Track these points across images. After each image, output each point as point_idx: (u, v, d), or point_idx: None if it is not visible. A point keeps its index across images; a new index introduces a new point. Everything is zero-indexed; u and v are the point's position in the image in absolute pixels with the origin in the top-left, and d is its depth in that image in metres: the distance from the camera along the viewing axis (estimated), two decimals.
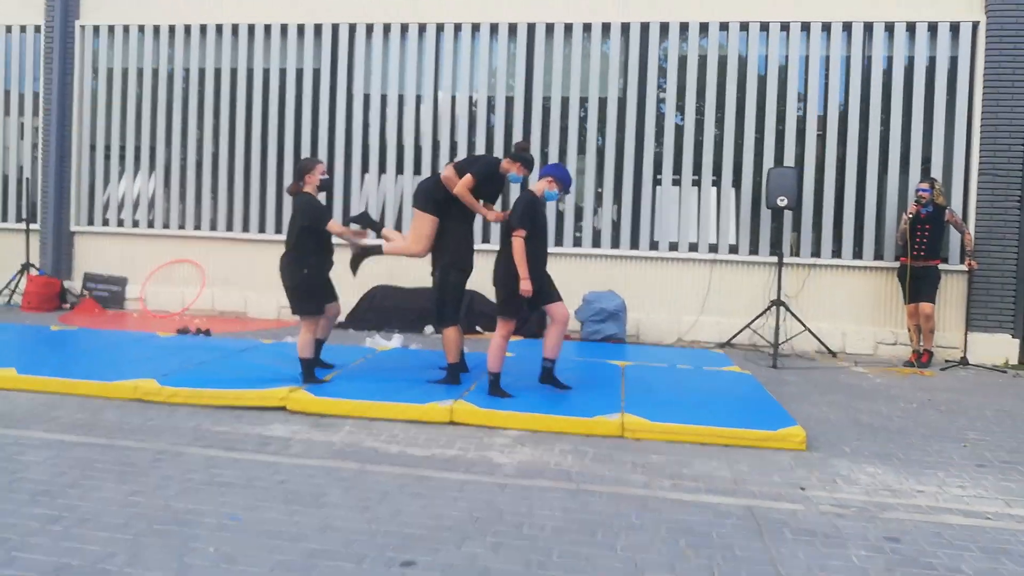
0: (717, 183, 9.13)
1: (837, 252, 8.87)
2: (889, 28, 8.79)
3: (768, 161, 8.90)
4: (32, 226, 10.37)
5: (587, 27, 9.36)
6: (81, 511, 3.39)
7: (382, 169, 9.88)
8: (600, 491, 3.91)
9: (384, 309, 9.19)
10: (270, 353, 6.91)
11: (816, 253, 8.89)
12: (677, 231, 9.18)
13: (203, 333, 8.15)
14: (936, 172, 8.58)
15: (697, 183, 9.15)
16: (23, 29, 10.75)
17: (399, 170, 9.80)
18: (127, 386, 5.52)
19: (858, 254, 8.81)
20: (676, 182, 9.22)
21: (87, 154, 10.60)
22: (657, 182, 9.26)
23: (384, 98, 9.88)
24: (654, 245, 9.21)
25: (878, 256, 8.78)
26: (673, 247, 9.17)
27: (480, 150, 9.57)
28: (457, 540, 3.21)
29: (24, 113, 10.90)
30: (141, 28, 10.41)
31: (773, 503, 3.83)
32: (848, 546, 3.31)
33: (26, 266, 10.08)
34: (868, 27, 8.82)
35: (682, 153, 9.16)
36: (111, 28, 10.50)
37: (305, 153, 9.93)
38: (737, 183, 9.10)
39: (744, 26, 9.06)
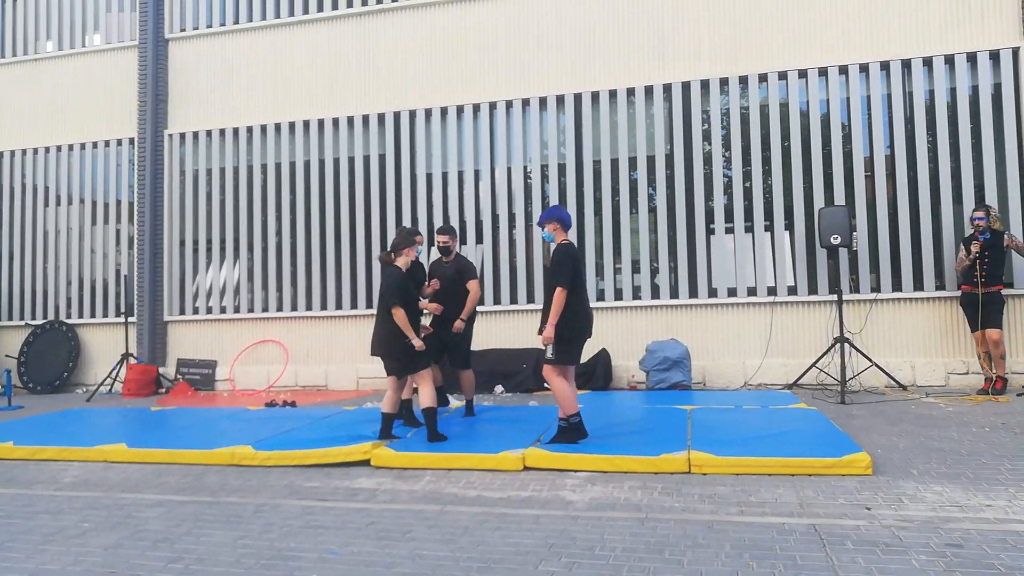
0: (770, 227, 9.34)
1: (897, 285, 8.90)
2: (927, 63, 9.01)
3: (818, 202, 9.09)
4: (130, 319, 11.27)
5: (630, 91, 9.86)
6: (197, 552, 3.79)
7: (464, 242, 10.42)
8: (667, 519, 4.11)
9: (454, 372, 9.57)
10: (352, 418, 7.35)
11: (876, 288, 8.94)
12: (735, 277, 9.37)
13: (289, 405, 8.68)
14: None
15: (750, 229, 9.38)
16: (119, 143, 11.91)
17: (463, 241, 10.34)
18: (225, 453, 6.01)
19: (919, 286, 8.83)
20: (729, 230, 9.47)
21: (177, 250, 11.53)
22: (711, 231, 9.52)
23: (445, 176, 10.53)
24: (713, 292, 9.41)
25: (940, 287, 8.78)
26: (732, 292, 9.36)
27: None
28: (535, 562, 3.47)
29: (121, 220, 11.96)
30: (222, 132, 11.42)
31: (837, 520, 3.96)
32: (909, 553, 3.43)
33: (126, 355, 10.91)
34: (906, 64, 9.05)
35: (732, 201, 9.44)
36: (195, 134, 11.56)
37: (374, 235, 10.61)
38: (790, 226, 9.29)
39: (783, 75, 9.41)
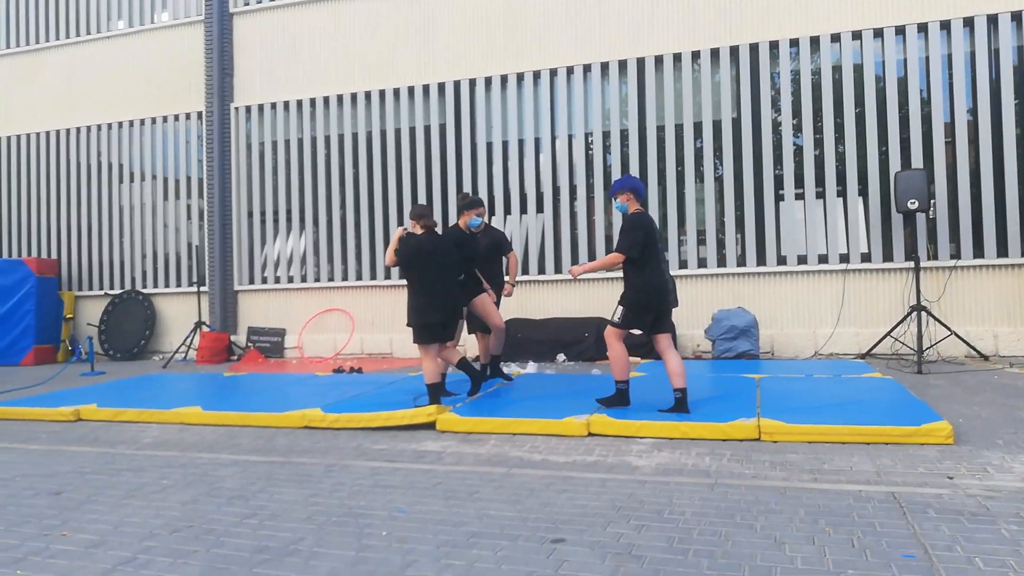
0: (842, 193, 9.01)
1: (979, 252, 8.49)
2: (1016, 18, 8.48)
3: (895, 167, 8.71)
4: (202, 289, 11.61)
5: (695, 55, 9.59)
6: (271, 509, 3.89)
7: (507, 212, 10.40)
8: (738, 484, 4.03)
9: (517, 341, 9.58)
10: (416, 383, 7.42)
11: (956, 255, 8.55)
12: (805, 244, 9.09)
13: (356, 371, 8.84)
14: None
15: (821, 195, 9.07)
16: (187, 117, 12.20)
17: (523, 211, 10.29)
18: (295, 416, 6.15)
19: (1003, 252, 8.40)
20: (799, 196, 9.17)
21: (245, 221, 11.80)
22: (780, 198, 9.24)
23: (506, 145, 10.46)
24: (782, 260, 9.15)
25: None
26: (802, 260, 9.08)
27: (599, 188, 9.91)
28: (603, 523, 3.45)
29: (191, 195, 12.28)
30: (286, 104, 11.58)
31: (917, 488, 3.82)
32: (998, 523, 3.28)
33: (198, 324, 11.26)
34: (992, 19, 8.55)
35: (803, 167, 9.12)
36: (260, 107, 11.75)
37: (435, 204, 10.64)
38: (864, 191, 8.94)
39: (856, 35, 9.01)
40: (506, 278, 7.43)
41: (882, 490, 3.82)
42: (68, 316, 12.52)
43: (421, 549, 3.21)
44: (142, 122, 12.52)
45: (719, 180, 9.49)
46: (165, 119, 12.37)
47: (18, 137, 13.34)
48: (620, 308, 5.78)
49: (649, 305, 5.74)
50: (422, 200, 10.75)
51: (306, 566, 3.07)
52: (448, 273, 6.32)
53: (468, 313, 7.33)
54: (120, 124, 12.66)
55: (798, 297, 9.06)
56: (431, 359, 6.18)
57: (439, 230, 6.71)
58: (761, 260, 9.22)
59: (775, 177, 9.22)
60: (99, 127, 12.81)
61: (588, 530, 3.36)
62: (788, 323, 9.08)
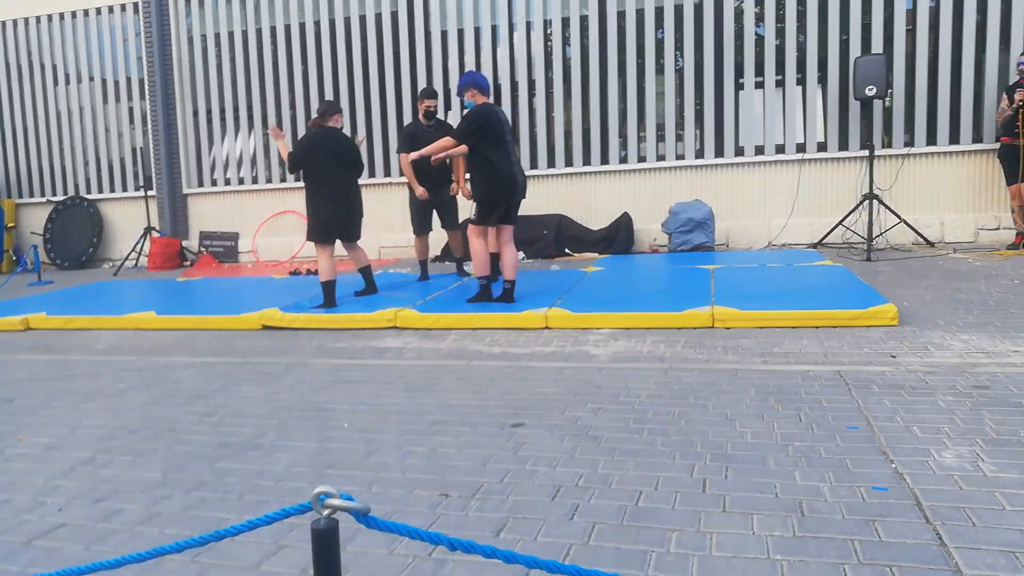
0: (802, 81, 8.93)
1: (932, 139, 8.57)
2: None
3: (855, 54, 8.62)
4: (150, 193, 11.23)
5: None
6: (231, 407, 3.90)
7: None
8: (691, 368, 4.14)
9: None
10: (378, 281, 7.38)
11: (909, 143, 8.63)
12: (763, 134, 9.07)
13: (313, 273, 8.74)
14: None
15: (781, 83, 8.99)
16: (123, 8, 11.46)
17: None
18: (253, 317, 6.09)
19: (955, 139, 8.49)
20: (759, 84, 9.08)
21: (191, 121, 11.32)
22: (739, 87, 9.14)
23: (461, 34, 10.06)
24: (739, 151, 9.15)
25: (976, 139, 8.44)
26: (759, 151, 9.08)
27: (558, 83, 9.68)
28: (560, 408, 3.53)
29: (132, 97, 11.68)
30: None
31: (862, 367, 3.97)
32: (936, 394, 3.43)
33: (148, 230, 10.96)
34: None
35: (764, 56, 8.99)
36: None
37: (389, 97, 10.31)
38: (823, 79, 8.88)
39: None
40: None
41: (829, 369, 3.96)
42: (10, 225, 12.06)
43: (383, 438, 3.26)
44: (73, 15, 11.73)
45: (679, 72, 9.32)
46: (99, 11, 11.59)
47: None
48: (474, 205, 5.89)
49: (499, 198, 5.82)
50: (374, 94, 10.39)
51: (269, 459, 3.10)
52: (342, 170, 6.30)
53: (438, 208, 7.34)
54: (50, 17, 11.85)
55: (753, 189, 9.11)
56: (327, 257, 6.30)
57: (339, 129, 6.44)
58: (719, 152, 9.20)
59: (735, 65, 9.08)
60: (26, 20, 11.97)
61: (547, 414, 3.44)
62: (743, 215, 9.16)
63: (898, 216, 8.28)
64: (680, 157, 9.36)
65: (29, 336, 6.36)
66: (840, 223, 8.47)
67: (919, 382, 3.64)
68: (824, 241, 8.67)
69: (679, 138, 9.37)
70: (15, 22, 12.04)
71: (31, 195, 12.29)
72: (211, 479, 2.91)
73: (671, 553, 2.15)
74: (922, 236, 8.32)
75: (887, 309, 4.93)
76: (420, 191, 7.16)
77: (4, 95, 12.24)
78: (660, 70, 9.39)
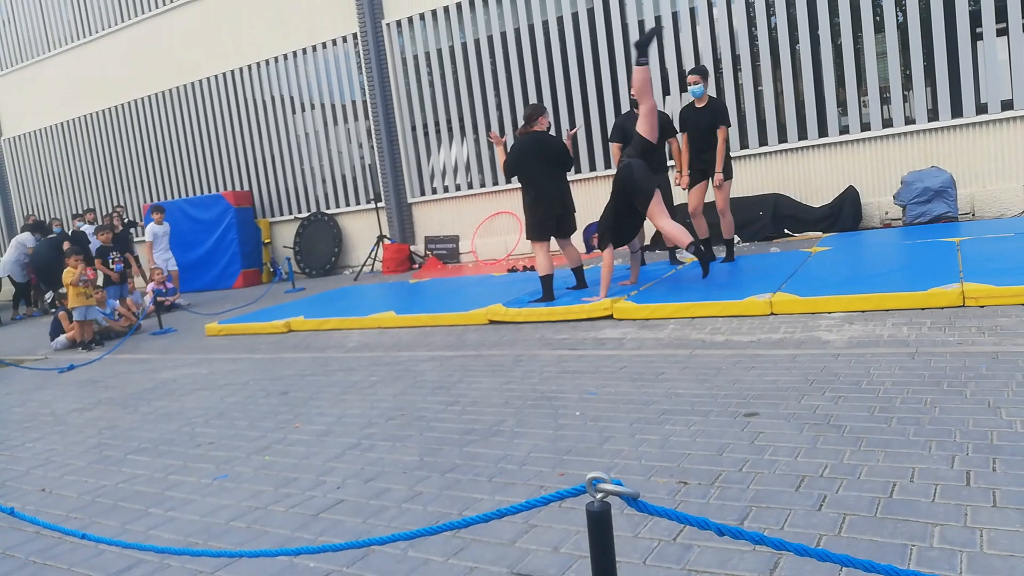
0: None
1: None
2: None
3: None
4: (379, 205, 12.27)
5: None
6: (471, 396, 4.19)
7: (665, 92, 10.00)
8: (942, 352, 3.82)
9: (688, 225, 9.36)
10: (589, 278, 7.52)
11: None
12: (1010, 87, 8.06)
13: (529, 270, 9.08)
14: None
15: None
16: (344, 40, 12.60)
17: (683, 89, 9.84)
18: (480, 313, 6.48)
19: None
20: (1002, 32, 8.08)
21: (410, 135, 12.20)
22: (978, 37, 8.19)
23: (658, 21, 9.95)
24: (981, 108, 8.20)
25: None
26: (1007, 106, 8.08)
27: (764, 54, 9.26)
28: (796, 396, 3.42)
29: (357, 117, 12.81)
30: (434, 13, 11.64)
31: None
32: None
33: (380, 238, 11.97)
34: None
35: None
36: (410, 20, 11.89)
37: (590, 96, 10.43)
38: None
39: None
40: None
41: None
42: (266, 241, 13.73)
43: (615, 427, 3.35)
44: (303, 51, 13.09)
45: (901, 28, 8.54)
46: (324, 45, 12.85)
47: (199, 82, 14.43)
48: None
49: (543, 217, 6.41)
50: (575, 93, 10.56)
51: (510, 444, 3.31)
52: (552, 171, 6.47)
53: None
54: (285, 56, 13.31)
55: (1003, 148, 8.12)
56: (544, 254, 6.49)
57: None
58: (956, 112, 8.31)
59: (970, 13, 8.15)
60: (266, 62, 13.55)
61: (782, 403, 3.35)
62: (991, 179, 8.20)
63: None
64: (910, 121, 8.58)
65: (292, 337, 7.23)
66: None
67: None
68: None
69: (907, 99, 8.59)
70: (255, 65, 13.65)
71: (280, 213, 13.89)
72: (462, 462, 3.17)
73: (934, 548, 2.04)
74: None
75: None
76: (681, 179, 7.19)
77: (253, 127, 13.93)
78: (879, 28, 8.66)
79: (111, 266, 9.68)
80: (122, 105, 15.63)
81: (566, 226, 6.71)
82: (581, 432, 3.35)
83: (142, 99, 15.29)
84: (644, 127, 6.11)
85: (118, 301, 9.57)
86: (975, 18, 8.15)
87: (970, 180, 8.25)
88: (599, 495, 1.40)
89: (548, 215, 6.50)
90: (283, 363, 6.02)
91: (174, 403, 5.09)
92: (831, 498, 2.40)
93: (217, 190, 14.49)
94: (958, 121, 8.27)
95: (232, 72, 13.98)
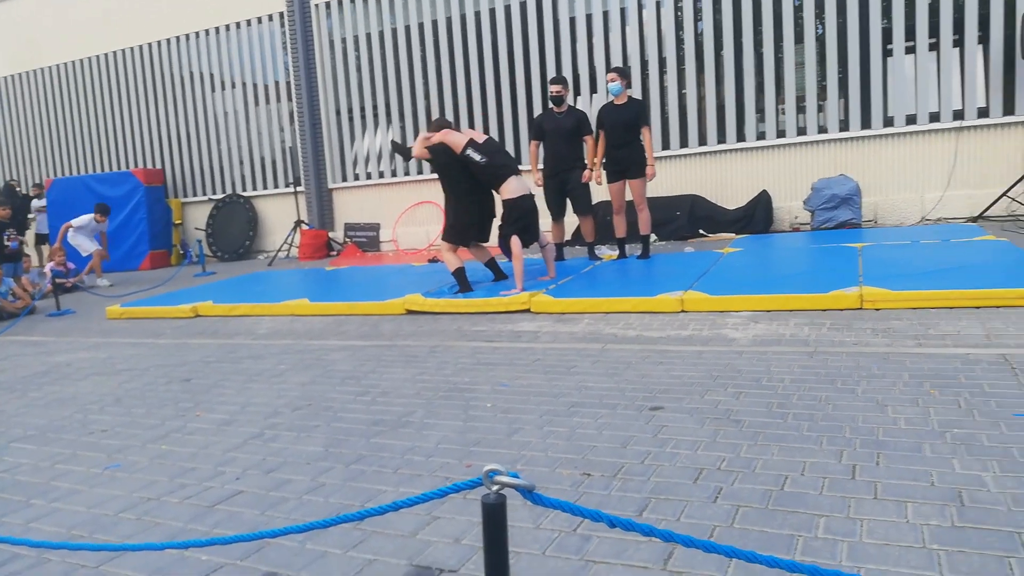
0: (959, 42, 8.27)
1: None
2: None
3: (1022, 8, 7.89)
4: (298, 189, 11.97)
5: None
6: (382, 387, 4.14)
7: (592, 90, 10.11)
8: (838, 351, 3.99)
9: (606, 223, 9.51)
10: (507, 270, 7.54)
11: None
12: (915, 102, 8.49)
13: None
14: None
15: (935, 46, 8.37)
16: (270, 19, 12.23)
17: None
18: (397, 302, 6.40)
19: None
20: (910, 49, 8.49)
21: (334, 119, 11.95)
22: (888, 53, 8.59)
23: (589, 19, 10.03)
24: (888, 121, 8.61)
25: None
26: (911, 120, 8.51)
27: (689, 58, 9.46)
28: (700, 391, 3.51)
29: (280, 99, 12.47)
30: None
31: None
32: None
33: (298, 223, 11.69)
34: None
35: (915, 18, 8.39)
36: (340, 2, 11.63)
37: (519, 87, 10.44)
38: (984, 39, 8.19)
39: None
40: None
41: (992, 352, 3.70)
42: (177, 222, 13.23)
43: (525, 418, 3.36)
44: (227, 28, 12.64)
45: (820, 40, 8.87)
46: (248, 23, 12.44)
47: (113, 53, 13.75)
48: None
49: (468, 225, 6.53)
50: (504, 84, 10.56)
51: (419, 435, 3.28)
52: (474, 180, 6.45)
53: (570, 193, 7.43)
54: (207, 32, 12.82)
55: (905, 161, 8.55)
56: (452, 252, 6.55)
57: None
58: (866, 123, 8.70)
59: (882, 31, 8.53)
60: (187, 36, 13.03)
61: (686, 398, 3.43)
62: (893, 189, 8.63)
63: None
64: (822, 130, 8.94)
65: (199, 322, 6.98)
66: (1004, 194, 7.82)
67: None
68: (986, 215, 8.03)
69: (821, 109, 8.94)
70: (176, 39, 13.11)
71: (194, 194, 13.40)
72: (368, 454, 3.12)
73: (819, 539, 2.12)
74: None
75: None
76: (537, 178, 7.35)
77: (169, 104, 13.38)
78: (799, 39, 8.98)
79: (6, 243, 9.13)
80: (27, 73, 14.76)
81: (487, 232, 6.71)
82: (491, 424, 3.34)
83: (49, 68, 14.47)
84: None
85: (13, 280, 9.04)
86: (887, 35, 8.54)
87: (874, 189, 8.65)
88: (495, 487, 1.39)
89: (472, 224, 6.51)
90: (188, 349, 5.81)
91: (67, 388, 4.84)
92: (727, 490, 2.46)
93: (127, 167, 13.86)
94: (867, 132, 8.66)
95: (149, 45, 13.38)
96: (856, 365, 3.70)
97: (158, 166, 13.59)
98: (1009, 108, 8.11)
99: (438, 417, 3.51)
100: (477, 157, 6.24)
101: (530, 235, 6.34)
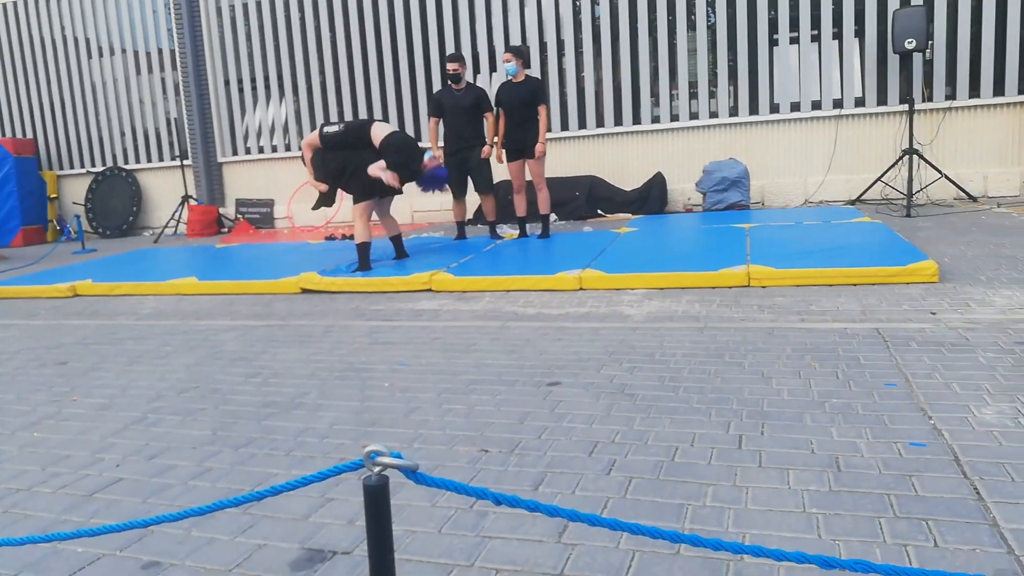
0: (838, 35, 8.71)
1: (976, 91, 8.33)
2: None
3: (894, 5, 8.37)
4: (186, 162, 11.39)
5: None
6: (273, 368, 4.00)
7: (492, 69, 10.07)
8: (727, 327, 4.14)
9: (507, 203, 9.53)
10: (409, 248, 7.45)
11: (951, 96, 8.40)
12: (799, 91, 8.89)
13: (348, 238, 8.83)
14: None
15: (816, 38, 8.78)
16: None
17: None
18: (291, 281, 6.20)
19: (1000, 91, 8.25)
20: (794, 40, 8.87)
21: (223, 90, 11.41)
22: (774, 43, 8.94)
23: None
24: (775, 108, 8.99)
25: (1023, 90, 8.18)
26: (795, 107, 8.92)
27: (587, 44, 9.55)
28: (596, 367, 3.57)
29: (164, 68, 11.80)
30: None
31: (901, 324, 3.93)
32: (976, 351, 3.40)
33: (185, 198, 11.14)
34: None
35: (798, 10, 8.77)
36: None
37: (418, 64, 10.27)
38: (860, 32, 8.66)
39: None
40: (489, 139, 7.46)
41: (867, 327, 3.93)
42: (52, 196, 12.35)
43: (422, 397, 3.33)
44: None
45: (711, 28, 9.14)
46: None
47: None
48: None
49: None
50: (403, 59, 10.36)
51: (312, 416, 3.19)
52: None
53: (470, 171, 7.40)
54: None
55: (790, 146, 8.97)
56: (364, 221, 6.43)
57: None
58: (754, 110, 9.05)
59: (769, 21, 8.88)
60: None
61: (582, 373, 3.48)
62: (779, 172, 9.03)
63: (939, 171, 8.10)
64: (714, 115, 9.23)
65: (77, 302, 6.55)
66: (879, 179, 8.32)
67: (959, 339, 3.60)
68: (862, 198, 8.53)
69: (712, 95, 9.24)
70: (46, 1, 12.18)
71: (71, 167, 12.55)
72: (258, 436, 3.01)
73: (707, 507, 2.19)
74: (964, 191, 8.14)
75: (927, 266, 4.86)
76: (436, 153, 7.30)
77: (41, 70, 12.43)
78: (692, 26, 9.22)
79: None
80: None
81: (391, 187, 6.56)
82: (388, 404, 3.29)
83: None
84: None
85: None
86: (773, 25, 8.88)
87: (762, 173, 9.03)
88: (377, 468, 1.35)
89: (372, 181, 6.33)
90: (64, 330, 5.44)
91: None
92: (620, 462, 2.52)
93: None
94: (755, 119, 9.01)
95: (15, 3, 12.35)
96: (743, 340, 3.86)
97: (29, 136, 12.62)
98: (883, 99, 8.62)
99: (333, 398, 3.43)
100: (334, 129, 6.34)
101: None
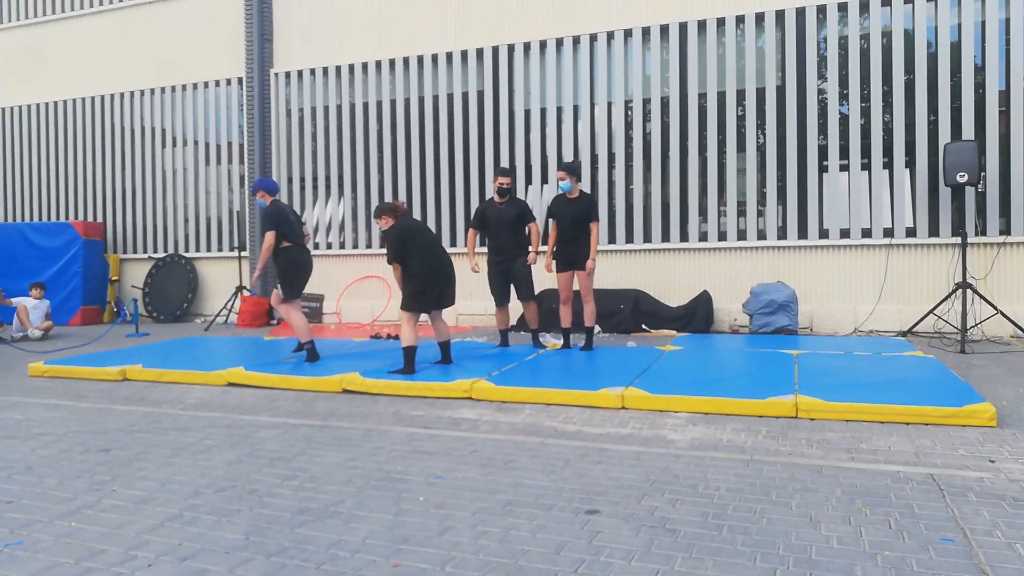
0: (889, 165, 8.79)
1: None
2: None
3: (944, 138, 8.47)
4: (243, 254, 11.79)
5: (740, 19, 9.37)
6: (311, 472, 3.99)
7: (544, 181, 10.36)
8: (774, 461, 4.02)
9: (552, 312, 9.59)
10: (452, 352, 7.48)
11: (1005, 230, 8.32)
12: (848, 217, 8.92)
13: (393, 338, 8.93)
14: None
15: (867, 167, 8.87)
16: (228, 83, 12.30)
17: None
18: (334, 380, 6.26)
19: None
20: (844, 167, 8.97)
21: (285, 187, 11.91)
22: (824, 169, 9.05)
23: (544, 113, 10.37)
24: (824, 233, 9.00)
25: None
26: (845, 234, 8.92)
27: (637, 157, 9.81)
28: (637, 496, 3.47)
29: (232, 160, 12.42)
30: (325, 71, 11.61)
31: (957, 471, 3.77)
32: None
33: (239, 288, 11.46)
34: None
35: (848, 137, 8.91)
36: (300, 73, 11.79)
37: (472, 171, 10.63)
38: (911, 163, 8.72)
39: None
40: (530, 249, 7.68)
41: (921, 471, 3.78)
42: (113, 278, 12.83)
43: (457, 515, 3.27)
44: (184, 87, 12.66)
45: (761, 149, 9.32)
46: (207, 84, 12.49)
47: (64, 102, 13.58)
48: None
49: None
50: (459, 167, 10.74)
51: (346, 528, 3.15)
52: (436, 248, 6.57)
53: (513, 280, 7.52)
54: (163, 89, 12.81)
55: (839, 272, 8.91)
56: (411, 325, 6.44)
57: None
58: (802, 233, 9.08)
59: (819, 147, 9.03)
60: (143, 92, 12.98)
61: (622, 502, 3.39)
62: (828, 298, 8.95)
63: (994, 307, 7.94)
64: (761, 236, 9.28)
65: (126, 386, 6.69)
66: (931, 311, 8.18)
67: (1022, 492, 3.43)
68: (914, 330, 8.36)
69: (760, 214, 9.31)
70: (132, 93, 13.04)
71: (135, 251, 13.07)
72: (291, 545, 2.98)
73: None
74: (1021, 328, 7.93)
75: (984, 408, 4.69)
76: (473, 263, 7.49)
77: (117, 157, 13.18)
78: (741, 147, 9.42)
79: None
80: None
81: (447, 298, 6.67)
82: (422, 519, 3.24)
83: None
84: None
85: None
86: (823, 152, 9.02)
87: (810, 297, 8.96)
88: None
89: (431, 288, 6.46)
90: (111, 415, 5.54)
91: None
92: None
93: (67, 218, 13.49)
94: (803, 242, 9.02)
95: (102, 97, 13.26)
96: (791, 477, 3.73)
97: (99, 219, 13.26)
98: (935, 230, 8.58)
99: (368, 508, 3.39)
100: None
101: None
